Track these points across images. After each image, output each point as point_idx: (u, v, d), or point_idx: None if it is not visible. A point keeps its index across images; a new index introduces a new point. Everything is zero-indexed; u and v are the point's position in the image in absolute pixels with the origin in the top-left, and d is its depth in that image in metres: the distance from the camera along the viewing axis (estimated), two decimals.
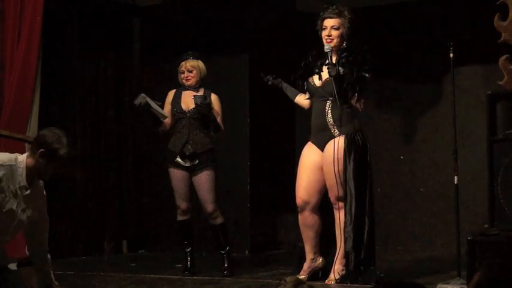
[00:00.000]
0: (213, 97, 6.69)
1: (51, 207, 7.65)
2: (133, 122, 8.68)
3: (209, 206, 6.61)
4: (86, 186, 8.24)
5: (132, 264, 7.59)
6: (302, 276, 6.00)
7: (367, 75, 5.95)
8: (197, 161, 6.61)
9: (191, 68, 6.70)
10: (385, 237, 7.98)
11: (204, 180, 6.59)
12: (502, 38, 6.49)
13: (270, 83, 6.34)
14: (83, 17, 8.22)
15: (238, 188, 8.26)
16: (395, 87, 8.44)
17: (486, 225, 6.08)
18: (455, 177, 6.02)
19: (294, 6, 8.73)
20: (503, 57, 6.48)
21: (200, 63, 6.72)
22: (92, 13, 8.31)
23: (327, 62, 5.95)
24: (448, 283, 5.74)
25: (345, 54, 5.99)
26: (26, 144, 7.31)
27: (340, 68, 5.89)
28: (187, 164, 6.62)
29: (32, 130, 7.37)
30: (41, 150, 4.50)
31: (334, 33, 5.99)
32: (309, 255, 6.15)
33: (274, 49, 8.44)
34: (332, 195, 5.96)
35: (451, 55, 6.01)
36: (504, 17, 6.49)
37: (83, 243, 8.17)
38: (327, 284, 5.90)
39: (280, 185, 8.27)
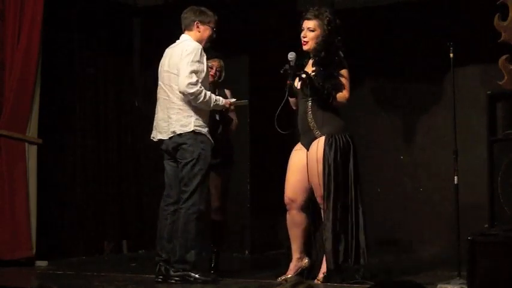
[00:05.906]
0: (227, 92, 6.78)
1: (50, 207, 7.76)
2: (134, 121, 8.68)
3: (216, 201, 6.62)
4: (86, 186, 8.23)
5: (132, 264, 7.59)
6: (288, 275, 6.00)
7: (335, 74, 5.94)
8: None
9: (219, 67, 6.78)
10: (384, 237, 7.97)
11: (213, 176, 6.55)
12: (502, 38, 6.50)
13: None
14: (83, 17, 8.21)
15: (238, 188, 8.25)
16: (395, 87, 8.43)
17: (486, 225, 6.09)
18: (455, 177, 6.02)
19: (294, 6, 8.72)
20: (503, 57, 6.50)
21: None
22: (92, 13, 8.30)
23: (286, 66, 5.94)
24: (448, 283, 5.73)
25: (318, 55, 5.99)
26: (26, 145, 7.32)
27: (297, 72, 5.90)
28: None
29: (32, 130, 7.38)
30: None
31: (309, 35, 6.05)
32: (295, 254, 6.14)
33: (274, 49, 8.42)
34: (318, 195, 5.96)
35: (451, 55, 6.01)
36: (504, 17, 6.50)
37: (83, 243, 8.17)
38: (326, 284, 5.90)
39: (280, 185, 8.25)
